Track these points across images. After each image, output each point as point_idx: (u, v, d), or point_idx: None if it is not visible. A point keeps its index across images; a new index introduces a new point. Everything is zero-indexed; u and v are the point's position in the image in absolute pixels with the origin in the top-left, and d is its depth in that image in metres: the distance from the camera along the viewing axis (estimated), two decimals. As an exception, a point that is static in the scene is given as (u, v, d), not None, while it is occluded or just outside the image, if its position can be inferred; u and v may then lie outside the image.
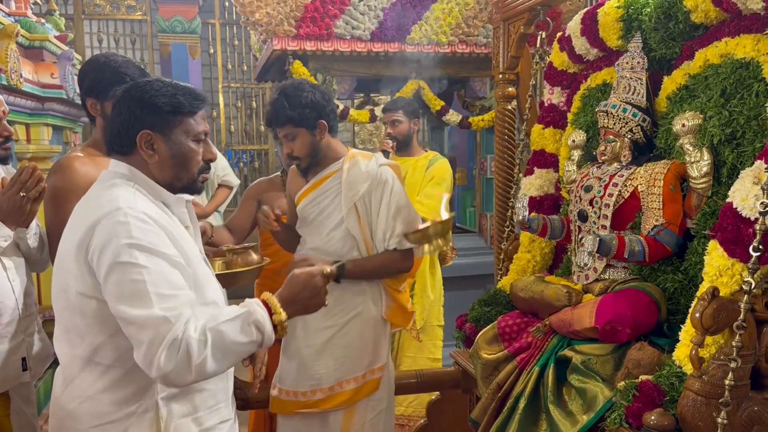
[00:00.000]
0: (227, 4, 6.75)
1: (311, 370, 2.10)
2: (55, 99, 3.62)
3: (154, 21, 6.33)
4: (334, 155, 2.16)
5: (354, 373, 2.11)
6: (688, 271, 1.69)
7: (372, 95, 4.95)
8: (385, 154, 3.01)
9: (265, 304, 1.38)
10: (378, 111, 3.66)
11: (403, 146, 3.26)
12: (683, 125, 1.65)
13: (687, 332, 1.44)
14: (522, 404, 1.71)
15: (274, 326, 1.37)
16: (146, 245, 1.30)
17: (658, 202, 1.71)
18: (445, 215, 1.81)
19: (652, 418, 1.35)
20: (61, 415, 1.42)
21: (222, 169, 4.58)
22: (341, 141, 2.26)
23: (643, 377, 1.45)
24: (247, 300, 1.41)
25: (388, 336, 2.26)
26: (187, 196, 1.52)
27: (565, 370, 1.70)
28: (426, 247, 1.79)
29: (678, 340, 1.48)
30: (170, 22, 5.88)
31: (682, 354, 1.43)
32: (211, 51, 6.82)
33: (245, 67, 6.97)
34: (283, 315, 1.38)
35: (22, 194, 1.85)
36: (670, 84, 1.86)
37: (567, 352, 1.71)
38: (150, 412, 1.38)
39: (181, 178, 1.45)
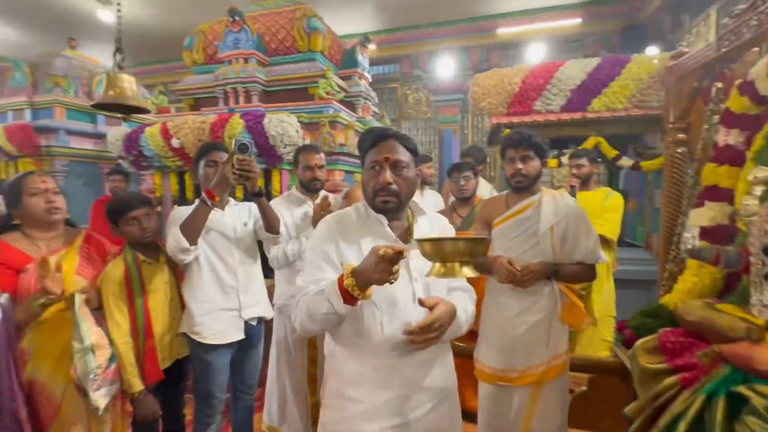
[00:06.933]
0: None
1: (507, 355, 2.57)
2: (342, 153, 4.96)
3: (435, 117, 9.85)
4: (535, 189, 2.62)
5: (539, 360, 2.52)
6: None
7: (563, 150, 5.85)
8: (573, 189, 3.97)
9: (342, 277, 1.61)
10: (564, 159, 4.76)
11: (584, 184, 4.15)
12: None
13: None
14: (682, 428, 1.63)
15: (346, 289, 1.58)
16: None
17: None
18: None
19: None
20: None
21: None
22: (543, 182, 2.69)
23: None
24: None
25: (567, 333, 2.61)
26: None
27: (739, 406, 1.57)
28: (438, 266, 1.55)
29: None
30: (444, 118, 9.55)
31: None
32: (465, 131, 9.62)
33: (483, 139, 9.47)
34: (350, 280, 1.57)
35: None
36: None
37: (744, 390, 1.58)
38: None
39: None
